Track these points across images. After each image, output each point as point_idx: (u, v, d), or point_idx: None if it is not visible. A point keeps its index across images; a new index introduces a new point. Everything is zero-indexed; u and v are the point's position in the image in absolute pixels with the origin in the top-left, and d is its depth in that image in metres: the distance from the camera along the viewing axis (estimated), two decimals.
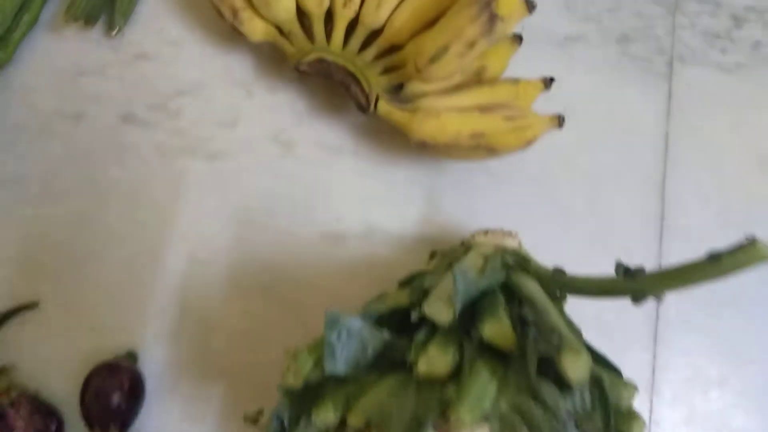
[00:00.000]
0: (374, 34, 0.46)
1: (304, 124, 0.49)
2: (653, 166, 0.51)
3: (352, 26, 0.46)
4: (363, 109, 0.44)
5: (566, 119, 0.45)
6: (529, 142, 0.43)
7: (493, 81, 0.45)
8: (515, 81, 0.45)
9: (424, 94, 0.44)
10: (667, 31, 0.54)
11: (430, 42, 0.41)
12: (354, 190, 0.48)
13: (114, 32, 0.48)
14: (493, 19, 0.39)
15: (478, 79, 0.45)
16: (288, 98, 0.49)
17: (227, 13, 0.45)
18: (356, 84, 0.44)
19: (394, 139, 0.48)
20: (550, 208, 0.50)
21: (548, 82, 0.45)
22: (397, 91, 0.46)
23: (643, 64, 0.53)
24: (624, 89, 0.53)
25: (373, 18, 0.45)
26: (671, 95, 0.53)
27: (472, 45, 0.40)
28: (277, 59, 0.49)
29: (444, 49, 0.41)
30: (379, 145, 0.49)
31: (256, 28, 0.45)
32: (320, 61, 0.44)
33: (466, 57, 0.41)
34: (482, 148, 0.43)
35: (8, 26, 0.46)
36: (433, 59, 0.41)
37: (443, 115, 0.43)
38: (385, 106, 0.44)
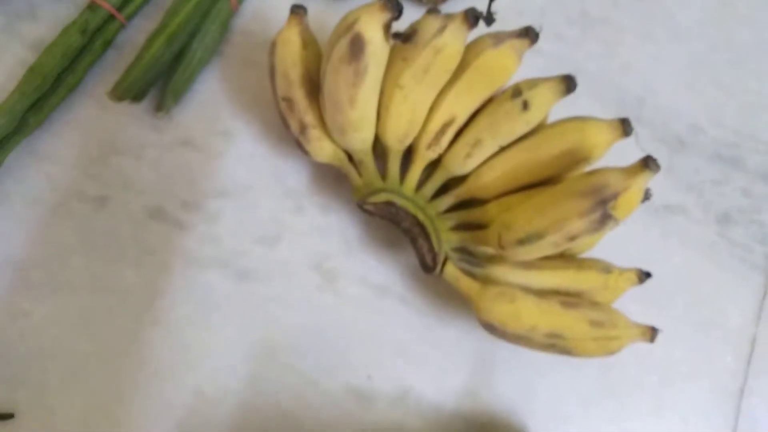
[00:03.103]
0: (454, 180, 0.40)
1: (352, 255, 0.43)
2: (733, 374, 0.45)
3: (431, 166, 0.40)
4: (427, 269, 0.38)
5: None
6: (611, 353, 0.37)
7: (581, 262, 0.39)
8: (607, 268, 0.39)
9: (500, 261, 0.38)
10: None
11: (524, 221, 0.35)
12: (393, 343, 0.42)
13: (161, 113, 0.42)
14: (605, 218, 0.33)
15: (562, 251, 0.39)
16: (340, 222, 0.43)
17: (294, 127, 0.39)
18: (425, 238, 0.38)
19: (450, 291, 0.42)
20: (614, 403, 0.43)
21: (643, 276, 0.39)
22: (468, 246, 0.39)
23: (742, 252, 0.47)
24: (716, 277, 0.46)
25: (460, 167, 0.38)
26: (767, 294, 0.47)
27: (572, 238, 0.34)
28: (336, 175, 0.43)
29: (538, 236, 0.34)
30: (431, 294, 0.43)
31: (323, 150, 0.39)
32: (389, 204, 0.38)
33: (561, 247, 0.35)
34: (557, 348, 0.36)
35: (46, 89, 0.40)
36: (523, 242, 0.35)
37: (519, 299, 0.36)
38: (453, 271, 0.38)
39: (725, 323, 0.46)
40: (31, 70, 0.40)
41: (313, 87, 0.38)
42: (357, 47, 0.34)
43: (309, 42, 0.38)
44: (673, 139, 0.48)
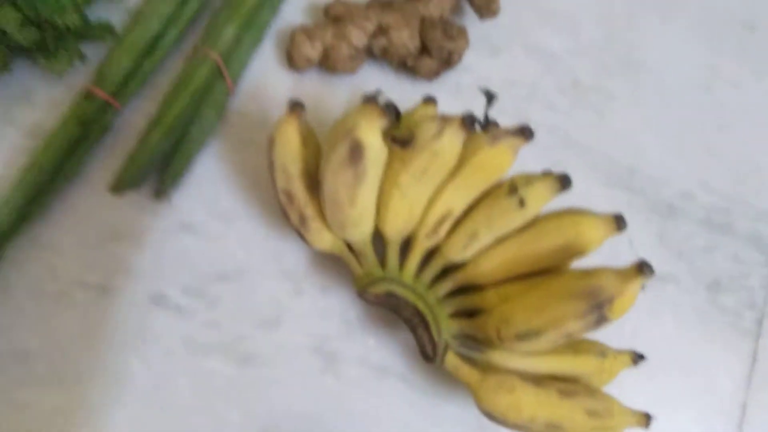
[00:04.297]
0: (453, 266, 0.40)
1: (352, 336, 0.43)
2: None
3: (429, 253, 0.41)
4: (428, 358, 0.39)
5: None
6: None
7: (578, 345, 0.40)
8: (602, 352, 0.40)
9: (499, 346, 0.39)
10: (763, 283, 0.49)
11: (522, 318, 0.36)
12: (395, 422, 0.43)
13: (161, 197, 0.42)
14: (601, 320, 0.34)
15: None
16: (340, 303, 0.44)
17: (294, 218, 0.39)
18: (424, 328, 0.39)
19: None
20: None
21: (637, 359, 0.40)
22: (467, 332, 0.40)
23: (732, 318, 0.48)
24: (707, 344, 0.47)
25: (458, 255, 0.39)
26: (756, 359, 0.48)
27: (568, 336, 0.35)
28: (335, 256, 0.43)
29: (536, 333, 0.35)
30: (431, 372, 0.44)
31: (323, 241, 0.40)
32: (389, 295, 0.39)
33: (557, 343, 0.36)
34: None
35: (45, 180, 0.40)
36: (522, 338, 0.36)
37: (518, 389, 0.37)
38: (453, 360, 0.39)
39: (716, 389, 0.47)
40: (32, 165, 0.40)
41: (313, 181, 0.39)
42: (356, 152, 0.35)
43: (308, 138, 0.38)
44: (664, 207, 0.49)
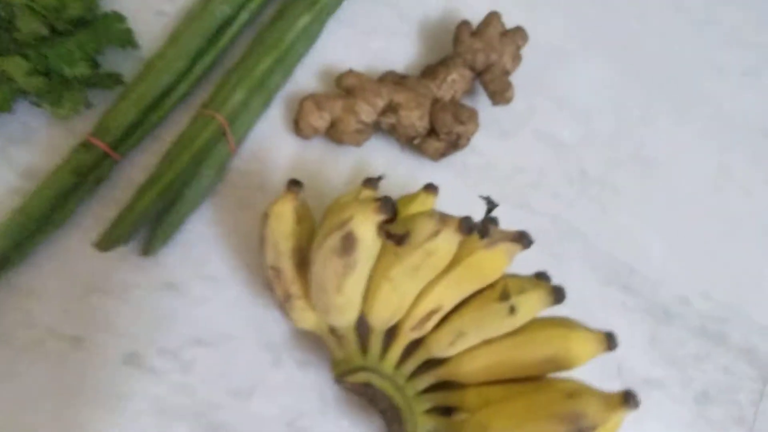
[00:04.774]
0: (436, 360, 0.39)
1: (327, 415, 0.42)
2: None
3: (413, 343, 0.39)
4: None
5: None
6: None
7: None
8: None
9: None
10: (752, 400, 0.48)
11: (500, 428, 0.35)
12: None
13: (148, 255, 0.41)
14: None
15: None
16: (318, 379, 0.43)
17: (279, 294, 0.39)
18: (399, 424, 0.38)
19: None
20: None
21: None
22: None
23: None
24: None
25: (442, 351, 0.38)
26: None
27: None
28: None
29: None
30: None
31: (306, 320, 0.39)
32: (367, 385, 0.38)
33: None
34: None
35: (32, 227, 0.39)
36: None
37: None
38: None
39: None
40: (20, 211, 0.39)
41: (302, 259, 0.38)
42: (349, 244, 0.34)
43: (303, 217, 0.38)
44: (660, 310, 0.48)
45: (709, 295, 0.49)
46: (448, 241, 0.34)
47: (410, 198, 0.40)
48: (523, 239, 0.35)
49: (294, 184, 0.37)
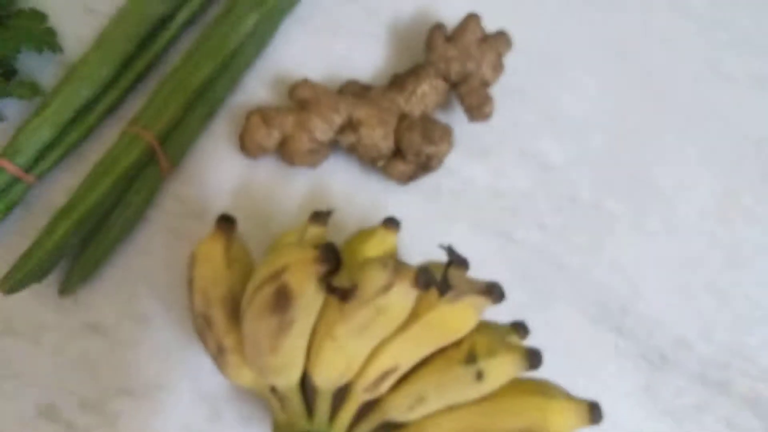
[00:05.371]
0: (393, 425, 0.34)
1: None
2: None
3: (367, 404, 0.34)
4: None
5: None
6: None
7: None
8: None
9: None
10: None
11: None
12: None
13: (66, 294, 0.36)
14: None
15: None
16: None
17: (210, 346, 0.33)
18: None
19: None
20: None
21: None
22: None
23: None
24: None
25: (400, 416, 0.33)
26: None
27: None
28: None
29: None
30: None
31: (242, 376, 0.33)
32: None
33: None
34: None
35: None
36: None
37: None
38: None
39: None
40: None
41: (237, 308, 0.32)
42: (283, 299, 0.28)
43: (236, 258, 0.32)
44: (656, 355, 0.43)
45: (711, 337, 0.43)
46: (402, 297, 0.28)
47: (367, 234, 0.35)
48: (492, 293, 0.30)
49: (225, 221, 0.32)
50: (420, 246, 0.41)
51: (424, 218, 0.41)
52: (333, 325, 0.30)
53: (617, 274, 0.43)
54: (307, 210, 0.40)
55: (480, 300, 0.30)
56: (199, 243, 0.32)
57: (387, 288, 0.28)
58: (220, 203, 0.40)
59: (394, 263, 0.29)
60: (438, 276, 0.29)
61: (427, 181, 0.42)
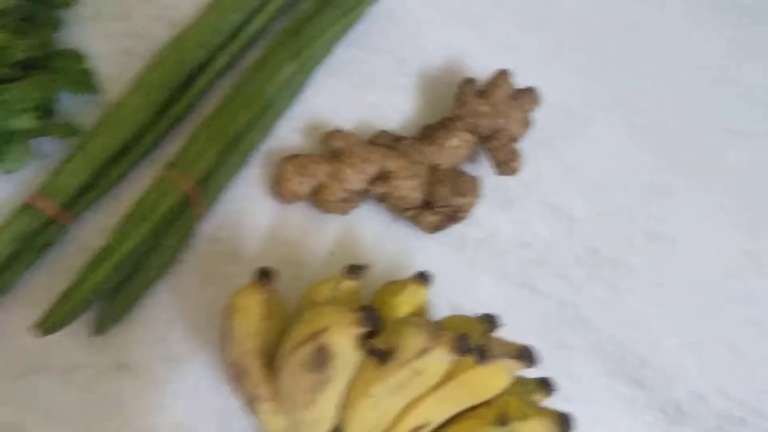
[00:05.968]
0: None
1: None
2: None
3: None
4: None
5: None
6: None
7: None
8: None
9: None
10: None
11: None
12: None
13: (100, 333, 0.36)
14: None
15: None
16: None
17: (243, 393, 0.33)
18: None
19: None
20: None
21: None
22: None
23: None
24: None
25: None
26: None
27: None
28: None
29: None
30: None
31: (274, 424, 0.33)
32: None
33: None
34: None
35: None
36: None
37: None
38: None
39: None
40: None
41: (271, 359, 0.33)
42: (322, 359, 0.29)
43: (273, 311, 0.33)
44: (672, 408, 0.43)
45: (728, 392, 0.44)
46: (439, 361, 0.29)
47: (398, 287, 0.35)
48: (526, 358, 0.30)
49: (264, 275, 0.32)
50: (446, 293, 0.41)
51: (450, 267, 0.42)
52: (369, 383, 0.30)
53: (636, 327, 0.44)
54: (337, 256, 0.41)
55: (513, 363, 0.31)
56: (238, 294, 0.32)
57: (425, 352, 0.29)
58: (252, 246, 0.40)
59: (432, 327, 0.30)
60: (474, 341, 0.30)
61: (453, 231, 0.42)
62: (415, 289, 0.35)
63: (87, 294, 0.34)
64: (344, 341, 0.29)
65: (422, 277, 0.35)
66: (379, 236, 0.42)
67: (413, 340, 0.29)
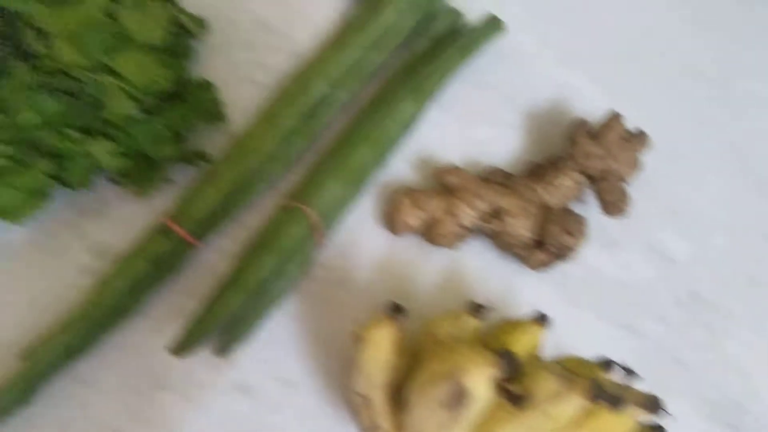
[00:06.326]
0: None
1: None
2: None
3: None
4: None
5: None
6: None
7: None
8: None
9: None
10: None
11: None
12: None
13: (222, 355, 0.38)
14: None
15: None
16: None
17: (365, 422, 0.35)
18: None
19: None
20: None
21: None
22: None
23: None
24: None
25: None
26: None
27: None
28: None
29: None
30: None
31: None
32: None
33: None
34: None
35: (100, 318, 0.36)
36: None
37: None
38: None
39: None
40: (91, 302, 0.36)
41: (396, 392, 0.34)
42: (458, 398, 0.30)
43: (401, 346, 0.34)
44: None
45: None
46: (572, 406, 0.30)
47: (517, 327, 0.36)
48: (654, 407, 0.31)
49: (396, 311, 0.33)
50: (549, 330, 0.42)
51: (551, 304, 0.43)
52: (500, 423, 0.31)
53: (735, 372, 0.44)
54: (444, 289, 0.42)
55: (641, 412, 0.31)
56: (369, 326, 0.34)
57: (559, 397, 0.30)
58: (363, 275, 0.41)
59: (565, 374, 0.30)
60: (606, 388, 0.30)
61: (556, 268, 0.43)
62: (534, 331, 0.36)
63: (219, 320, 0.36)
64: (482, 383, 0.29)
65: (542, 319, 0.36)
66: (485, 271, 0.42)
67: (547, 384, 0.30)
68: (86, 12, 0.32)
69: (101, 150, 0.35)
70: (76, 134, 0.34)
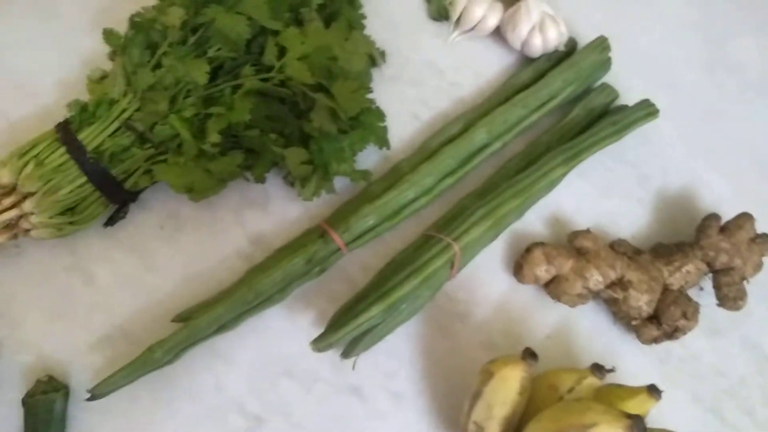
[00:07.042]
0: None
1: None
2: None
3: None
4: None
5: None
6: None
7: None
8: None
9: None
10: None
11: None
12: None
13: (347, 358, 0.41)
14: None
15: None
16: None
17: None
18: None
19: None
20: None
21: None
22: None
23: None
24: None
25: None
26: None
27: None
28: None
29: None
30: None
31: None
32: None
33: None
34: None
35: (252, 303, 0.40)
36: None
37: None
38: None
39: None
40: (250, 288, 0.40)
41: (511, 428, 0.37)
42: None
43: (526, 389, 0.37)
44: None
45: None
46: None
47: (629, 392, 0.39)
48: None
49: (530, 356, 0.36)
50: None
51: (650, 377, 0.45)
52: None
53: None
54: (553, 341, 0.45)
55: None
56: (502, 364, 0.37)
57: None
58: (481, 312, 0.45)
59: None
60: None
61: (660, 344, 0.46)
62: (646, 399, 0.38)
63: (360, 327, 0.40)
64: None
65: (655, 391, 0.39)
66: (594, 333, 0.45)
67: None
68: (320, 40, 0.36)
69: (294, 156, 0.39)
70: (278, 138, 0.38)
